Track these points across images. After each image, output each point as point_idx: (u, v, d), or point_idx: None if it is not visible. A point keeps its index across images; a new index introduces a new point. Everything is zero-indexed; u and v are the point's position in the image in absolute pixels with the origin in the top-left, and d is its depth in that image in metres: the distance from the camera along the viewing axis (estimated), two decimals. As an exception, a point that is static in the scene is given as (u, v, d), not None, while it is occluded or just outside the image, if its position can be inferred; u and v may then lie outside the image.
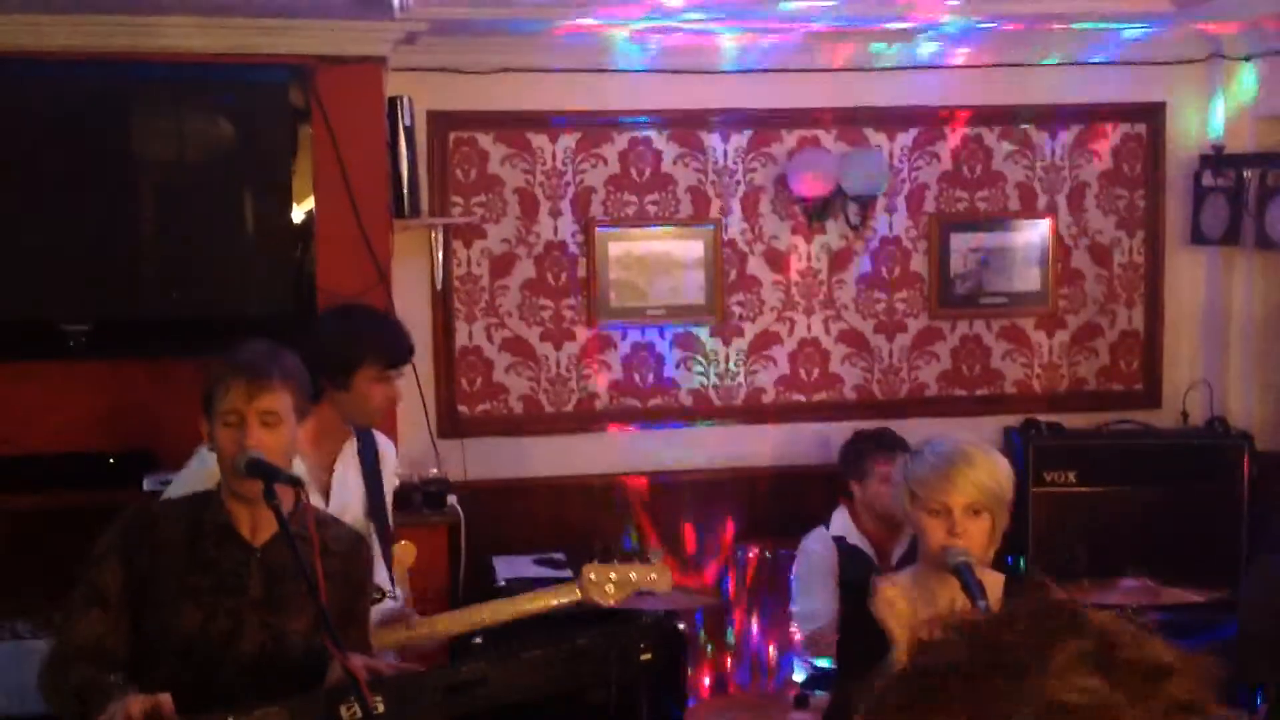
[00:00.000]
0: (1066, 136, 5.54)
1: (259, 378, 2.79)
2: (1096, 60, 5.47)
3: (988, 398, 5.58)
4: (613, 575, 3.60)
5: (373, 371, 3.43)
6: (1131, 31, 5.30)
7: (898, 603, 2.94)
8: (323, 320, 3.64)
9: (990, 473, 2.94)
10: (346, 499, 3.53)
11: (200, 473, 3.10)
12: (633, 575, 3.61)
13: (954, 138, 5.47)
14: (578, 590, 3.61)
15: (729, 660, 5.27)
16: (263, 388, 2.78)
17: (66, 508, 4.13)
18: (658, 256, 5.31)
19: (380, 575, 3.55)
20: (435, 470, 4.90)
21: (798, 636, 4.59)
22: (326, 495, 3.46)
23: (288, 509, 2.80)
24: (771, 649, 5.14)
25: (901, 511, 3.07)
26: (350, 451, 3.57)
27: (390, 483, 3.74)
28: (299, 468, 3.26)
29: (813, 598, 4.49)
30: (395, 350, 3.48)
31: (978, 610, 2.76)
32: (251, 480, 2.76)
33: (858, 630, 3.04)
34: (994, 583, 2.98)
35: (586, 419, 5.33)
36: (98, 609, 2.77)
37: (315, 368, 3.42)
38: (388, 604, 3.54)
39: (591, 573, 3.60)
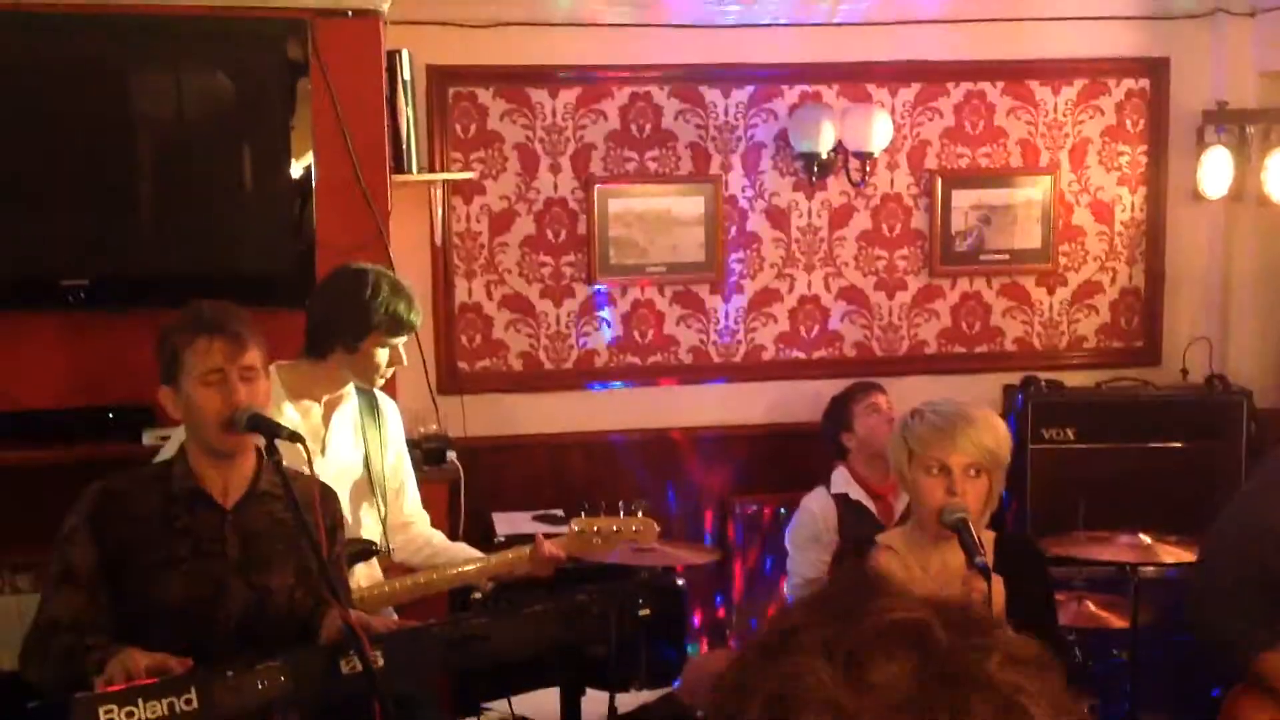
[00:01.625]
0: (1069, 92, 5.51)
1: (237, 336, 2.80)
2: (1100, 15, 5.44)
3: (987, 355, 5.58)
4: (598, 527, 3.69)
5: (381, 339, 3.46)
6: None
7: (892, 565, 2.94)
8: (337, 280, 3.62)
9: (991, 433, 2.95)
10: (344, 456, 3.55)
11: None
12: (616, 527, 3.73)
13: (956, 93, 5.44)
14: (565, 543, 3.69)
15: (728, 615, 5.29)
16: (242, 345, 2.80)
17: (66, 462, 4.13)
18: (658, 213, 5.29)
19: (373, 531, 3.58)
20: (435, 427, 4.90)
21: (790, 595, 4.61)
22: (322, 449, 3.48)
23: (254, 468, 2.82)
24: (770, 604, 5.16)
25: (897, 474, 3.06)
26: (349, 409, 3.59)
27: (398, 442, 3.76)
28: (294, 422, 3.27)
29: (804, 560, 4.51)
30: (407, 321, 3.50)
31: (976, 567, 2.77)
32: (234, 436, 2.77)
33: None
34: (986, 541, 2.99)
35: (586, 376, 5.33)
36: (70, 587, 2.78)
37: (325, 326, 3.44)
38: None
39: (578, 525, 3.69)
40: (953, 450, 2.91)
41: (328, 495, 3.01)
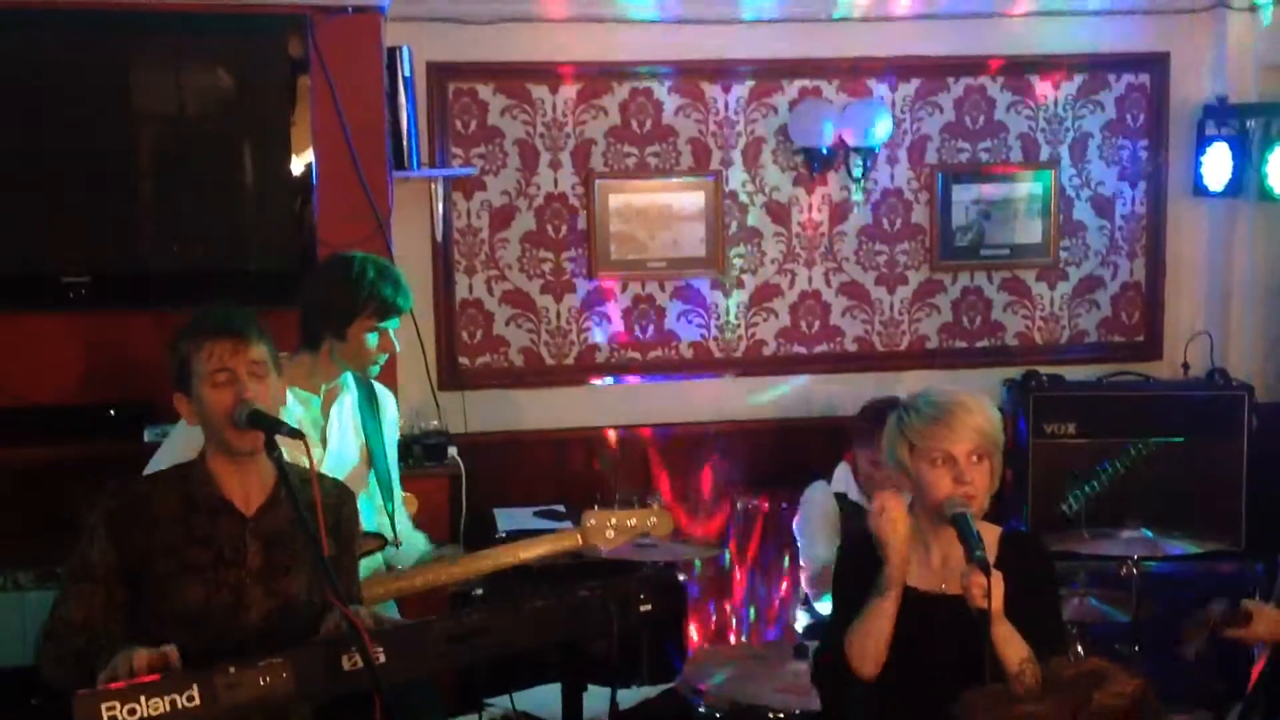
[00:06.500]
0: (1069, 87, 5.51)
1: (241, 333, 2.79)
2: (1100, 10, 5.44)
3: (989, 350, 5.58)
4: (612, 520, 3.65)
5: (370, 323, 3.44)
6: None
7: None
8: (325, 267, 3.63)
9: (987, 417, 2.97)
10: (344, 447, 3.54)
11: (186, 442, 3.06)
12: (631, 521, 3.68)
13: (956, 88, 5.44)
14: (578, 536, 3.65)
15: (729, 610, 5.29)
16: (247, 341, 2.79)
17: (68, 459, 4.14)
18: (658, 208, 5.29)
19: (369, 522, 3.56)
20: (436, 422, 4.90)
21: (805, 574, 4.60)
22: (323, 442, 3.47)
23: (275, 472, 2.80)
24: (771, 599, 5.16)
25: (896, 468, 3.05)
26: (348, 400, 3.58)
27: (392, 433, 3.74)
28: (294, 417, 3.26)
29: (817, 542, 4.50)
30: (393, 304, 3.47)
31: (976, 561, 2.77)
32: (250, 433, 2.75)
33: (852, 568, 3.08)
34: (990, 536, 2.99)
35: (587, 372, 5.33)
36: (87, 586, 2.76)
37: (314, 314, 3.43)
38: (394, 551, 3.57)
39: (591, 518, 3.65)
40: (955, 440, 2.91)
41: (344, 500, 3.00)
